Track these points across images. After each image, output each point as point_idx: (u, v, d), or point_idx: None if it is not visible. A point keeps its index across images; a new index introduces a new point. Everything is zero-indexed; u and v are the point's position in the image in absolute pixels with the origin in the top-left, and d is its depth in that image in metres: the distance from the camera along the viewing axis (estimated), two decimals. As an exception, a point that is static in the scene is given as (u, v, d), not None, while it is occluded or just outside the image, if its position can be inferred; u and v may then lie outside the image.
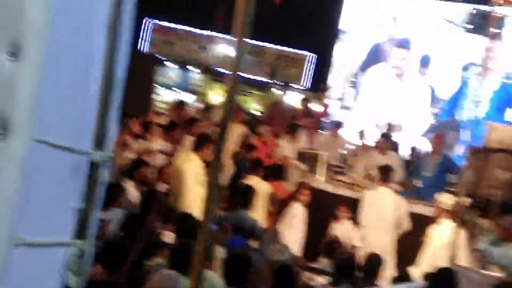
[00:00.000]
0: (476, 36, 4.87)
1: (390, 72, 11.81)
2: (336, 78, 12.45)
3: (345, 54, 12.32)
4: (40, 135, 1.36)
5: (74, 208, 1.47)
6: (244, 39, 2.70)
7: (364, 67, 12.10)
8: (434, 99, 11.43)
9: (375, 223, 6.22)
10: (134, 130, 6.50)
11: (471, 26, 4.49)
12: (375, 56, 11.98)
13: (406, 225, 6.24)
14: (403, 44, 11.65)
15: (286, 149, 8.15)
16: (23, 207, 1.30)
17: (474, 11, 4.53)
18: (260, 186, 6.52)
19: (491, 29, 4.44)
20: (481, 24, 4.45)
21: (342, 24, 12.27)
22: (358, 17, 12.19)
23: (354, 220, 6.51)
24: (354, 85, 12.24)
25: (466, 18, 4.56)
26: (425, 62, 11.48)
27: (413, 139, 10.82)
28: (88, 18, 1.50)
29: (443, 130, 10.54)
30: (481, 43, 4.80)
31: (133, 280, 3.11)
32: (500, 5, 4.51)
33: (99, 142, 1.54)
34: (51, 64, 1.40)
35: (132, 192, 5.64)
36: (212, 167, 2.71)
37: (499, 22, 4.53)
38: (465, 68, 10.71)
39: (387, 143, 8.17)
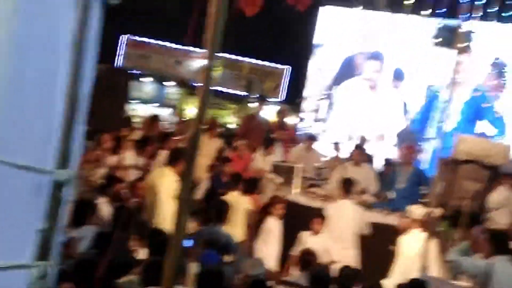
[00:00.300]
0: (445, 50, 4.98)
1: (363, 84, 11.96)
2: (311, 91, 12.56)
3: (320, 67, 12.45)
4: (1, 155, 1.34)
5: (37, 228, 1.45)
6: (215, 53, 2.71)
7: (338, 79, 12.25)
8: (405, 112, 11.62)
9: (336, 235, 6.30)
10: (106, 146, 6.44)
11: (440, 40, 4.60)
12: (347, 69, 12.14)
13: (365, 231, 6.38)
14: (376, 56, 11.84)
15: (261, 162, 8.16)
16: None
17: (442, 26, 4.64)
18: (241, 201, 6.52)
19: (459, 43, 4.55)
20: (449, 38, 4.56)
21: (316, 38, 12.41)
22: (332, 31, 12.36)
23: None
24: (328, 97, 12.37)
25: (435, 32, 4.67)
26: (398, 75, 11.67)
27: (387, 150, 10.95)
28: (52, 35, 1.49)
29: (403, 141, 10.81)
30: (450, 57, 4.92)
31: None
32: (466, 19, 4.67)
33: (64, 160, 1.53)
34: (14, 83, 1.38)
35: (105, 208, 5.57)
36: (184, 181, 2.70)
37: (466, 36, 4.65)
38: (435, 82, 10.94)
39: (361, 155, 8.25)
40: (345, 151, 9.46)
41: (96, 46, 1.58)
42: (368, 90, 11.94)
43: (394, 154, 10.40)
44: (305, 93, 12.57)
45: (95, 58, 1.59)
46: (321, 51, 12.42)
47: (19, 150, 1.40)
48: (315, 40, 12.38)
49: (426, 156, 10.76)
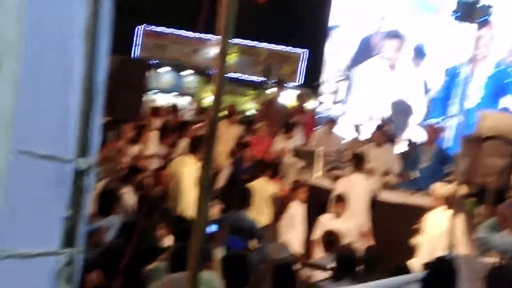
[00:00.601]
0: (466, 25, 4.88)
1: (382, 64, 11.81)
2: (329, 74, 12.46)
3: (337, 49, 12.32)
4: (23, 146, 1.36)
5: (61, 216, 1.47)
6: (229, 39, 2.71)
7: (356, 60, 12.11)
8: (426, 90, 11.46)
9: (349, 209, 6.34)
10: (128, 136, 6.51)
11: (459, 15, 4.51)
12: (365, 49, 11.99)
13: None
14: (394, 35, 11.66)
15: (282, 146, 8.16)
16: (9, 219, 1.30)
17: (461, 0, 4.55)
18: (267, 187, 6.55)
19: (479, 18, 4.46)
20: (469, 12, 4.47)
21: (332, 19, 12.28)
22: (348, 11, 12.20)
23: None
24: (347, 79, 12.25)
25: (454, 7, 4.58)
26: (419, 53, 11.48)
27: (409, 130, 10.84)
28: (64, 26, 1.50)
29: (393, 114, 10.90)
30: (471, 32, 4.82)
31: (130, 285, 3.11)
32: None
33: (83, 149, 1.55)
34: (30, 74, 1.40)
35: (130, 197, 5.65)
36: (204, 167, 2.72)
37: (486, 10, 4.55)
38: (457, 58, 10.74)
39: (382, 136, 8.17)
40: (366, 133, 9.38)
41: (109, 35, 1.58)
42: (387, 70, 11.80)
43: (416, 133, 10.30)
44: (323, 75, 12.47)
45: (108, 47, 1.60)
46: (337, 33, 12.29)
47: (40, 140, 1.42)
48: (331, 22, 12.24)
49: (449, 134, 10.62)
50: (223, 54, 2.70)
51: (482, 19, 4.62)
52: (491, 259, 4.43)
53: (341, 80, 12.32)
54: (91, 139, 1.56)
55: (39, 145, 1.39)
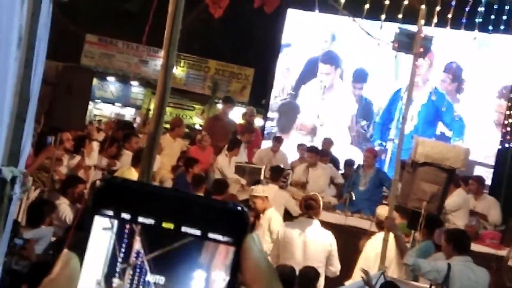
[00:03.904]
0: (404, 54, 5.10)
1: (318, 86, 12.23)
2: (276, 93, 12.66)
3: (285, 69, 12.55)
4: None
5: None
6: (174, 52, 2.71)
7: (301, 80, 12.41)
8: (370, 113, 11.85)
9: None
10: (67, 146, 6.31)
11: (397, 45, 4.70)
12: (310, 71, 12.32)
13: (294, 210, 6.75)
14: (328, 59, 12.08)
15: (226, 163, 8.15)
16: None
17: (400, 31, 4.74)
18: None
19: (417, 48, 4.67)
20: (407, 43, 4.67)
21: (284, 38, 12.53)
22: (298, 33, 12.48)
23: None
24: (293, 98, 12.51)
25: (393, 37, 4.76)
26: (359, 76, 11.87)
27: (345, 151, 11.12)
28: (1, 32, 1.46)
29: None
30: (409, 60, 5.04)
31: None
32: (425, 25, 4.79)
33: (11, 158, 1.50)
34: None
35: (67, 209, 5.45)
36: (141, 179, 2.69)
37: (424, 41, 4.76)
38: (398, 84, 11.18)
39: (315, 157, 8.30)
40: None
41: (46, 42, 1.55)
42: (321, 92, 12.21)
43: (353, 155, 10.58)
44: (272, 93, 12.65)
45: (45, 54, 1.56)
46: (288, 52, 12.54)
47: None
48: (283, 40, 12.49)
49: (387, 157, 10.99)
50: (167, 66, 2.70)
51: (420, 50, 4.82)
52: (422, 284, 4.56)
53: (287, 99, 12.54)
54: (20, 148, 1.51)
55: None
